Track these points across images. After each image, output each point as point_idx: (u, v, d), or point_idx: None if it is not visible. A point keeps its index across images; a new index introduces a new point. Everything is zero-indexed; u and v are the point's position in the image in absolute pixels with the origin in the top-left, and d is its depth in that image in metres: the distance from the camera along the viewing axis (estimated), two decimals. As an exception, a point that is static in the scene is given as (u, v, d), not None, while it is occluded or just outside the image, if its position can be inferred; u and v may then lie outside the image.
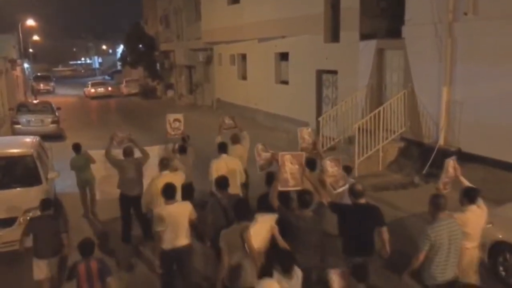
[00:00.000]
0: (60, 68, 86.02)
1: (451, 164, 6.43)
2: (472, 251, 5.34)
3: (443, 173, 6.36)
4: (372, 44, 12.49)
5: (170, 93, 34.47)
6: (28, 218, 6.79)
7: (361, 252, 5.30)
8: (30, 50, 52.33)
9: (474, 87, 9.78)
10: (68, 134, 18.28)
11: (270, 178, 6.06)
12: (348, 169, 6.99)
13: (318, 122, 13.50)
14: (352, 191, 5.46)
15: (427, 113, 10.99)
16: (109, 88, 38.32)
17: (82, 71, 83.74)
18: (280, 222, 4.99)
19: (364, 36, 12.75)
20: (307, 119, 15.61)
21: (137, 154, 8.11)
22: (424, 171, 10.36)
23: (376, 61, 12.50)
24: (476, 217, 5.26)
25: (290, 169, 5.91)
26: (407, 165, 11.03)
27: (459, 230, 4.83)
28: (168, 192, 5.72)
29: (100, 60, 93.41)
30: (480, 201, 5.42)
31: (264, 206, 5.55)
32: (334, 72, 14.32)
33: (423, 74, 10.98)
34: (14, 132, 17.03)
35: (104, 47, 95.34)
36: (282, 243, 4.79)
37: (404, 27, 11.23)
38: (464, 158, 10.05)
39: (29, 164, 8.48)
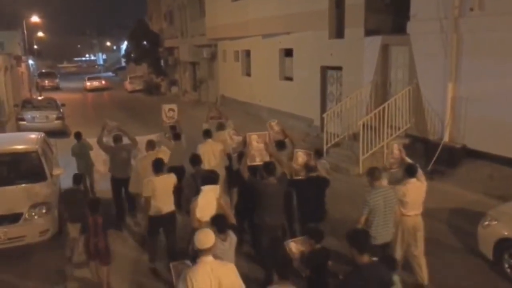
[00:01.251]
0: (64, 64, 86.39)
1: (395, 147, 7.25)
2: (414, 218, 6.08)
3: (389, 154, 7.33)
4: (377, 40, 12.42)
5: (174, 89, 34.51)
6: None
7: (314, 218, 6.30)
8: (35, 46, 52.44)
9: (479, 83, 9.71)
10: (72, 130, 18.26)
11: (241, 155, 7.22)
12: (319, 153, 7.99)
13: (322, 119, 13.47)
14: (306, 166, 6.75)
15: (432, 110, 10.94)
16: (103, 82, 41.97)
17: (96, 66, 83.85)
18: (250, 189, 6.23)
19: (369, 32, 12.68)
20: (312, 116, 15.60)
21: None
22: (429, 168, 10.31)
23: (381, 57, 12.44)
24: (415, 188, 6.04)
25: (257, 147, 7.35)
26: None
27: (393, 198, 5.72)
28: (158, 166, 6.64)
29: (104, 56, 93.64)
30: (421, 176, 6.24)
31: (236, 178, 6.87)
32: (339, 69, 14.27)
33: (428, 70, 10.92)
34: (19, 129, 17.11)
35: (108, 43, 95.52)
36: (227, 211, 5.68)
37: (409, 23, 11.16)
38: (470, 154, 10.03)
39: (34, 160, 8.48)
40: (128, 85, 38.93)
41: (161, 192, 6.50)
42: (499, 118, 9.37)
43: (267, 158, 6.92)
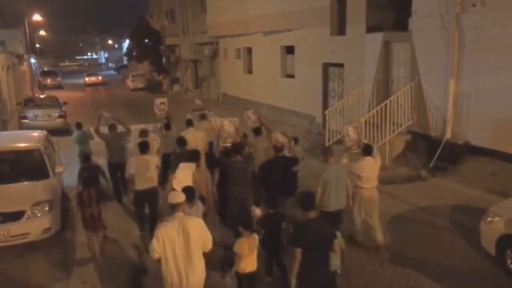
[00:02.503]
0: (66, 63, 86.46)
1: (351, 130, 8.35)
2: (369, 190, 7.01)
3: (345, 137, 8.39)
4: (378, 37, 12.40)
5: (176, 87, 34.50)
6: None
7: (282, 191, 7.11)
8: (37, 45, 52.50)
9: (482, 79, 9.69)
10: (74, 129, 18.28)
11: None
12: (296, 140, 8.99)
13: (324, 116, 13.46)
14: (275, 147, 7.69)
15: (434, 106, 10.92)
16: (99, 78, 47.58)
17: (112, 65, 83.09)
18: (221, 166, 7.31)
19: (370, 29, 12.65)
20: (313, 113, 15.58)
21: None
22: (431, 165, 10.31)
23: (383, 54, 12.41)
24: (369, 165, 7.03)
25: (228, 131, 8.71)
26: (413, 158, 10.97)
27: (344, 173, 6.71)
28: (143, 147, 7.75)
29: (106, 55, 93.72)
30: (376, 155, 7.19)
31: (211, 156, 8.30)
32: (341, 65, 14.24)
33: (430, 67, 10.89)
34: (22, 127, 17.12)
35: (110, 41, 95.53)
36: (200, 185, 6.78)
37: (411, 19, 11.13)
38: (472, 151, 10.00)
39: (37, 158, 8.50)
40: (130, 83, 38.96)
41: (144, 170, 7.53)
42: (502, 115, 9.35)
43: (237, 140, 8.02)
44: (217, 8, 23.33)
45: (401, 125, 11.33)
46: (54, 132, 13.43)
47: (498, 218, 6.44)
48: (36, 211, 7.34)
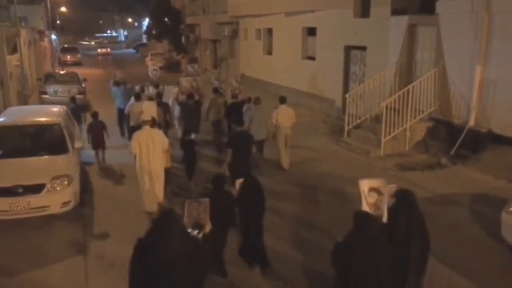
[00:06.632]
0: (86, 40, 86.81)
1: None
2: (286, 129, 9.98)
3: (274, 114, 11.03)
4: (403, 20, 12.07)
5: (194, 67, 34.39)
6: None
7: (237, 123, 8.99)
8: (58, 22, 52.72)
9: (510, 66, 9.38)
10: (94, 106, 18.41)
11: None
12: (257, 100, 10.48)
13: (344, 100, 13.27)
14: (232, 95, 12.00)
15: (458, 93, 10.65)
16: (108, 50, 61.45)
17: (123, 42, 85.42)
18: (182, 111, 11.54)
19: (395, 12, 12.33)
20: (333, 96, 15.38)
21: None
22: (452, 152, 10.11)
23: (407, 37, 12.10)
24: (284, 111, 10.04)
25: (184, 87, 14.04)
26: (434, 145, 10.78)
27: (265, 115, 9.98)
28: (137, 96, 11.57)
29: (125, 33, 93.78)
30: (288, 106, 10.21)
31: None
32: (363, 49, 13.96)
33: (456, 52, 10.58)
34: (42, 102, 17.33)
35: (130, 20, 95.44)
36: (158, 115, 9.93)
37: (438, 3, 10.79)
38: (495, 140, 9.76)
39: (57, 132, 8.61)
40: (149, 62, 38.93)
41: (135, 111, 10.37)
42: (529, 103, 9.07)
43: (191, 92, 12.25)
44: (238, -13, 23.00)
45: (423, 111, 11.10)
46: (73, 108, 13.54)
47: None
48: (55, 185, 7.44)
